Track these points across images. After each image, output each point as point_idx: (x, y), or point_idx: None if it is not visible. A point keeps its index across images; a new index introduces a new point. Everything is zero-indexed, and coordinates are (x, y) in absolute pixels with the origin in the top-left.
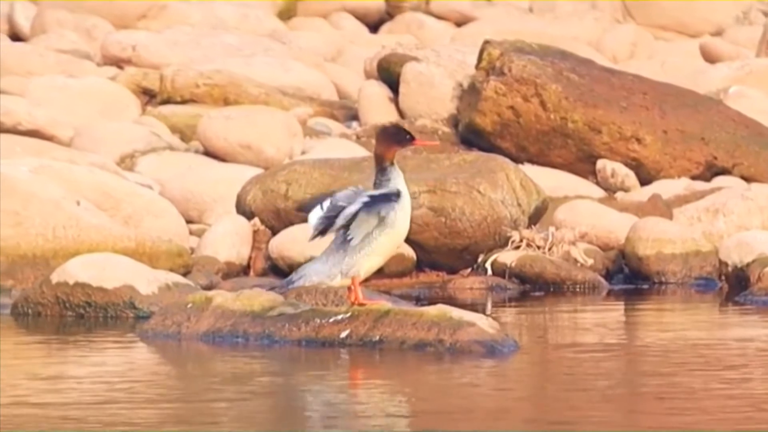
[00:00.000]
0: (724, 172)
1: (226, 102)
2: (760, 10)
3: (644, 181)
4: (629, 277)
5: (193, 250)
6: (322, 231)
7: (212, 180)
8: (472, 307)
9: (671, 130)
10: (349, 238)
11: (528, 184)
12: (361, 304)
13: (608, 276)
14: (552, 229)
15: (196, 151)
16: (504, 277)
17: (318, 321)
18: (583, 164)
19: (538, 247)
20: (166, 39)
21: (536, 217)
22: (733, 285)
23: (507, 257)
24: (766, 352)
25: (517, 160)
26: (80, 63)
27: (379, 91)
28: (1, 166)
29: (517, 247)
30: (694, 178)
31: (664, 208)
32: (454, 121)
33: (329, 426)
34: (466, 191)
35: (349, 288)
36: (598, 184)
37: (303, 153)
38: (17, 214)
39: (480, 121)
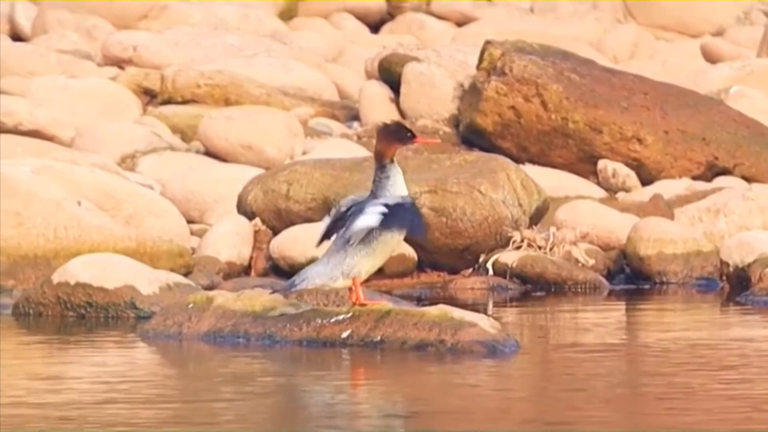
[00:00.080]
0: (725, 172)
1: (227, 102)
2: (761, 10)
3: (645, 182)
4: (630, 277)
5: (194, 251)
6: (327, 235)
7: (213, 180)
8: (474, 307)
9: (672, 131)
10: (348, 238)
11: (529, 185)
12: (362, 305)
13: (609, 276)
14: (553, 229)
15: (197, 152)
16: (505, 277)
17: (319, 321)
18: (584, 164)
19: (539, 248)
20: (167, 39)
21: (537, 217)
22: (734, 285)
23: (508, 257)
24: (766, 353)
25: (518, 160)
26: (81, 63)
27: (380, 91)
28: (2, 167)
29: (518, 248)
30: (695, 178)
31: (665, 209)
32: (455, 122)
33: (330, 426)
34: (467, 191)
35: (350, 288)
36: (599, 184)
37: (304, 153)
38: (18, 215)
39: (481, 121)
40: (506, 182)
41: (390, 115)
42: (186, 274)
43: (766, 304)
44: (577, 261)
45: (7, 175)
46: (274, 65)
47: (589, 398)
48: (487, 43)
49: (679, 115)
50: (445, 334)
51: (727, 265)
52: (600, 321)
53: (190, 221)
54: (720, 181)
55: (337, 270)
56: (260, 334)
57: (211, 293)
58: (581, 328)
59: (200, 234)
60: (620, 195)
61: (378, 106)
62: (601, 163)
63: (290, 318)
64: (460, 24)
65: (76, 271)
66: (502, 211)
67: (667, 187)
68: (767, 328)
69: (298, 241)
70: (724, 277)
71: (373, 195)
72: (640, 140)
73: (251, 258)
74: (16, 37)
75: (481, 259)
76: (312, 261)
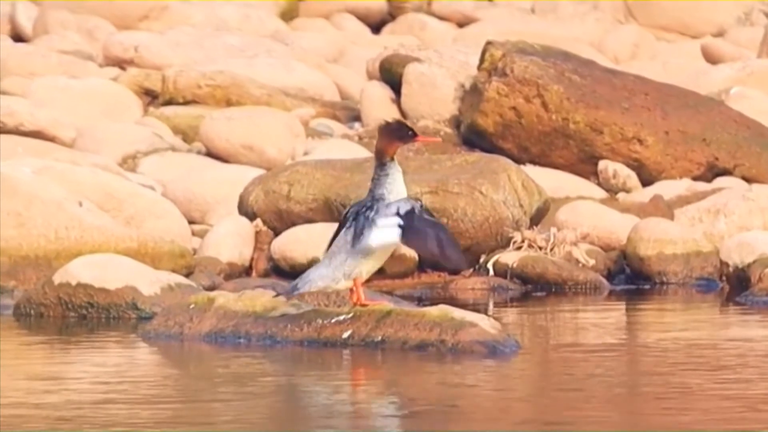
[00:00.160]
0: (725, 172)
1: (229, 103)
2: (761, 10)
3: (646, 182)
4: (630, 278)
5: (195, 251)
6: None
7: (214, 181)
8: (474, 307)
9: (673, 131)
10: (364, 250)
11: (530, 185)
12: (363, 305)
13: (610, 276)
14: (554, 229)
15: (199, 152)
16: (506, 277)
17: (320, 321)
18: (585, 165)
19: (540, 248)
20: (168, 40)
21: (538, 217)
22: (734, 285)
23: (509, 258)
24: (765, 353)
25: (518, 160)
26: (82, 64)
27: (381, 92)
28: (3, 167)
29: (519, 248)
30: (695, 178)
31: (665, 209)
32: (456, 122)
33: (330, 426)
34: (468, 192)
35: (351, 289)
36: (599, 184)
37: (305, 154)
38: (19, 215)
39: (482, 121)
40: (507, 183)
41: (391, 115)
42: (187, 275)
43: (765, 304)
44: (577, 261)
45: (8, 176)
46: (276, 66)
47: (589, 398)
48: (488, 43)
49: (680, 115)
50: (446, 335)
51: (727, 265)
52: (600, 321)
53: (191, 222)
54: (720, 181)
55: (339, 272)
56: (261, 335)
57: (213, 294)
58: (581, 328)
59: (201, 235)
60: (621, 195)
61: (379, 107)
62: (602, 164)
63: (291, 318)
64: (461, 24)
65: (78, 271)
66: (502, 211)
67: (668, 188)
68: (767, 328)
69: (299, 241)
70: (724, 278)
71: (372, 193)
72: (640, 141)
73: (252, 259)
74: (18, 37)
75: (481, 260)
76: (313, 261)
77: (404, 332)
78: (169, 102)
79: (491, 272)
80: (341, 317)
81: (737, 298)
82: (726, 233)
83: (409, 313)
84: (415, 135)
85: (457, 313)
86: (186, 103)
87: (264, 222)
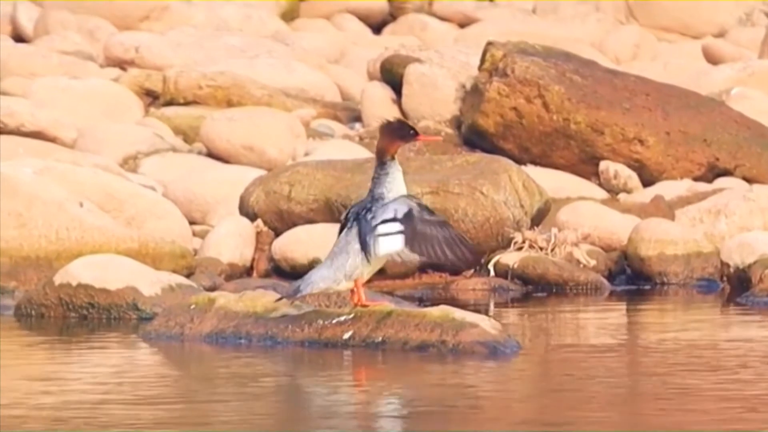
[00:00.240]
0: (726, 173)
1: (229, 103)
2: (762, 11)
3: (647, 183)
4: (631, 278)
5: (196, 252)
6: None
7: (215, 181)
8: (475, 308)
9: (674, 132)
10: (367, 254)
11: (531, 186)
12: (363, 306)
13: (610, 277)
14: (554, 230)
15: (199, 153)
16: (506, 278)
17: (321, 322)
18: (586, 165)
19: (541, 249)
20: (169, 40)
21: (539, 218)
22: (734, 286)
23: (510, 258)
24: (766, 354)
25: (519, 161)
26: (83, 64)
27: (382, 92)
28: (4, 168)
29: (520, 249)
30: (696, 179)
31: (666, 210)
32: (456, 123)
33: (331, 427)
34: (469, 192)
35: (351, 290)
36: (600, 185)
37: (306, 154)
38: (20, 216)
39: (483, 122)
40: (508, 183)
41: (392, 115)
42: (188, 276)
43: (766, 305)
44: (578, 262)
45: (9, 176)
46: (276, 66)
47: (590, 399)
48: (489, 44)
49: (681, 116)
50: (447, 335)
51: (728, 266)
52: (601, 322)
53: (192, 222)
54: (721, 182)
55: (340, 272)
56: (262, 335)
57: (213, 294)
58: (582, 328)
59: (202, 235)
60: (621, 196)
61: (380, 108)
62: (603, 165)
63: (292, 319)
64: (462, 25)
65: (78, 272)
66: (503, 212)
67: (669, 189)
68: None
69: (300, 242)
70: (725, 278)
71: (371, 193)
72: (641, 141)
73: (253, 259)
74: (18, 38)
75: (482, 260)
76: (314, 262)
77: (405, 333)
78: (170, 102)
79: (492, 273)
80: (342, 318)
81: (738, 299)
82: (727, 234)
83: (410, 313)
84: (416, 134)
85: (458, 313)
86: (187, 103)
87: (265, 222)
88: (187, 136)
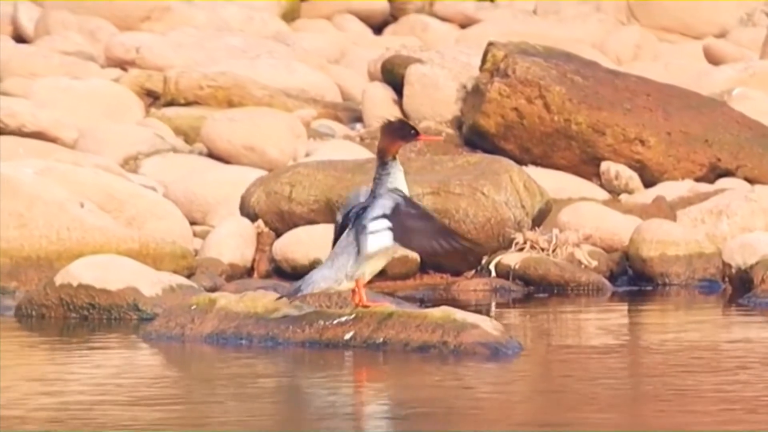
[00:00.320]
0: (727, 173)
1: (230, 104)
2: (764, 11)
3: (648, 183)
4: (633, 279)
5: (196, 252)
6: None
7: (216, 182)
8: (476, 309)
9: (675, 132)
10: (351, 240)
11: (532, 186)
12: (364, 306)
13: (612, 278)
14: (556, 230)
15: (200, 153)
16: (508, 278)
17: (322, 323)
18: (587, 166)
19: (542, 249)
20: (170, 41)
21: (540, 218)
22: (736, 287)
23: (511, 259)
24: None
25: (520, 161)
26: (84, 65)
27: (383, 93)
28: (5, 168)
29: (521, 249)
30: (697, 179)
31: (667, 210)
32: (457, 123)
33: (331, 427)
34: (470, 193)
35: (353, 290)
36: (601, 186)
37: (307, 155)
38: (21, 216)
39: (484, 122)
40: (509, 184)
41: (393, 116)
42: (189, 276)
43: None
44: (579, 263)
45: (9, 177)
46: (277, 67)
47: (591, 400)
48: (490, 44)
49: (682, 116)
50: (448, 336)
51: (730, 266)
52: (602, 323)
53: (192, 223)
54: (722, 182)
55: (342, 273)
56: (263, 336)
57: (214, 295)
58: (584, 329)
59: (203, 236)
60: (623, 197)
61: (381, 108)
62: (604, 165)
63: (293, 320)
64: (463, 25)
65: (79, 272)
66: (504, 212)
67: (670, 189)
68: None
69: (301, 242)
70: (727, 279)
71: (373, 193)
72: (642, 142)
73: (254, 260)
74: (19, 38)
75: (483, 261)
76: (314, 263)
77: (406, 334)
78: (171, 103)
79: (493, 273)
80: (343, 319)
81: (740, 300)
82: (728, 234)
83: (411, 314)
84: (417, 134)
85: (459, 314)
86: (187, 104)
87: (265, 223)
88: (188, 136)
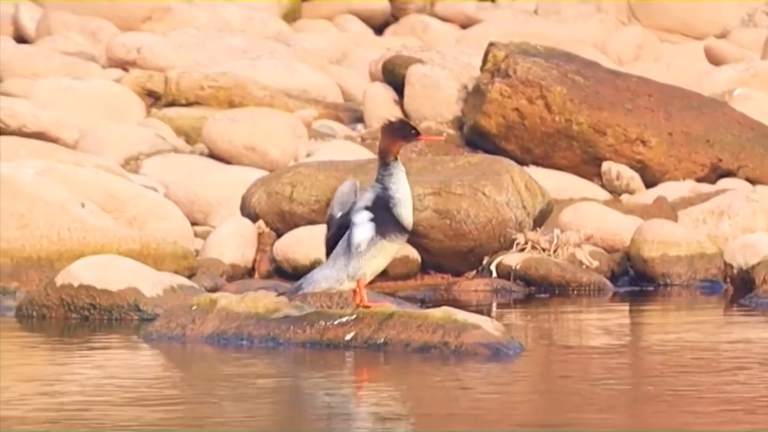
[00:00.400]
0: (729, 174)
1: (231, 104)
2: (765, 12)
3: (649, 184)
4: (634, 279)
5: (197, 253)
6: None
7: (217, 182)
8: (477, 309)
9: (676, 132)
10: (356, 247)
11: (533, 187)
12: (365, 307)
13: (613, 278)
14: (557, 231)
15: (201, 154)
16: (509, 279)
17: (323, 323)
18: (588, 166)
19: (543, 250)
20: (171, 41)
21: (541, 219)
22: (738, 287)
23: (512, 259)
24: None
25: (522, 162)
26: (85, 65)
27: (384, 93)
28: (6, 168)
29: (522, 250)
30: (699, 180)
31: (669, 211)
32: (458, 124)
33: (332, 428)
34: (471, 193)
35: (354, 290)
36: (603, 186)
37: (308, 155)
38: (22, 216)
39: (485, 123)
40: (510, 184)
41: (394, 116)
42: (189, 276)
43: None
44: (581, 263)
45: (11, 177)
46: (278, 67)
47: (592, 400)
48: (491, 45)
49: (683, 117)
50: (449, 337)
51: (731, 267)
52: (604, 323)
53: (193, 223)
54: (724, 183)
55: (343, 273)
56: (264, 337)
57: (215, 295)
58: (585, 330)
59: (204, 236)
60: (624, 197)
61: (382, 108)
62: (605, 165)
63: (294, 320)
64: (464, 26)
65: (80, 273)
66: (505, 213)
67: (671, 189)
68: None
69: (302, 243)
70: (728, 279)
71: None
72: (644, 142)
73: (255, 260)
74: (21, 38)
75: (484, 261)
76: (315, 263)
77: (407, 334)
78: (172, 103)
79: (494, 274)
80: (344, 319)
81: (741, 300)
82: (730, 235)
83: (412, 315)
84: (418, 134)
85: (460, 315)
86: (189, 104)
87: (266, 223)
88: (189, 136)
